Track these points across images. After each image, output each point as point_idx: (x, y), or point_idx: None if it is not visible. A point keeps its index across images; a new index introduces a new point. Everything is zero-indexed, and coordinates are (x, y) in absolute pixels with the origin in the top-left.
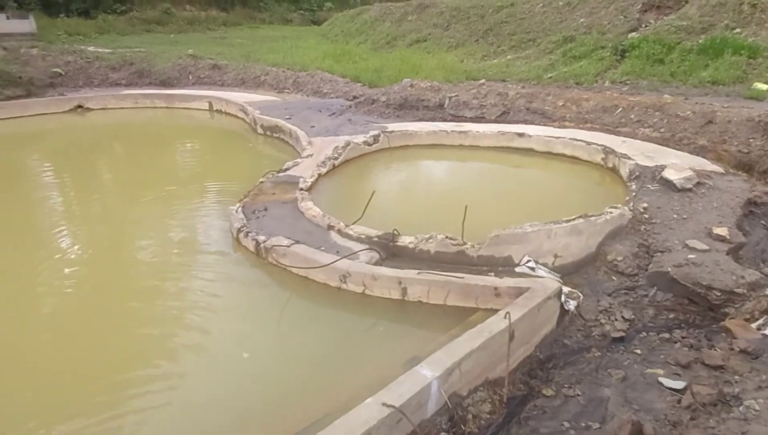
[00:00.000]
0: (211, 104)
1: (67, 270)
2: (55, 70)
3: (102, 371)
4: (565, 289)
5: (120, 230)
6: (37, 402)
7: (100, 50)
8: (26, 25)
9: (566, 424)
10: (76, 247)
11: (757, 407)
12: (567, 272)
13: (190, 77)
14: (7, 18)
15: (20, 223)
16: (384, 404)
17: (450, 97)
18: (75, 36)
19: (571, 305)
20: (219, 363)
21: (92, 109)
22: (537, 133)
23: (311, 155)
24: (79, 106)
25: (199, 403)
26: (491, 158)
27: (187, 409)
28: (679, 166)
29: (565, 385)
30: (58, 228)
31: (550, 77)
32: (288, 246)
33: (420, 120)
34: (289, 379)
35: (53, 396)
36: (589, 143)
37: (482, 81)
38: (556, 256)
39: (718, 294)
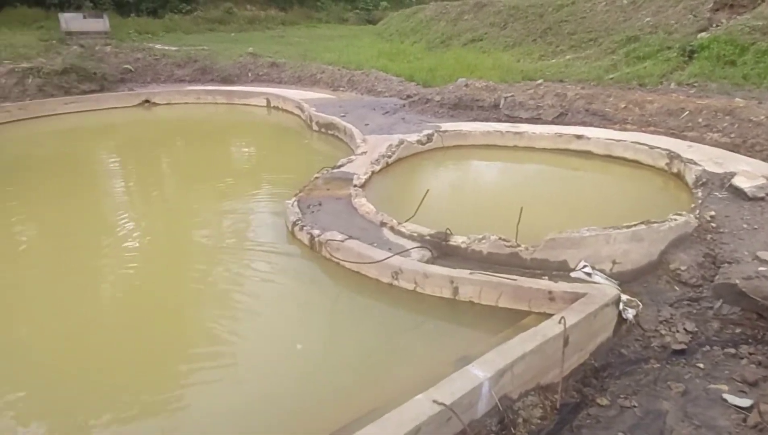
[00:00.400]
0: (268, 101)
1: (129, 254)
2: (125, 66)
3: (161, 348)
4: (624, 296)
5: (179, 218)
6: (104, 375)
7: (167, 48)
8: (101, 24)
9: None
10: (137, 232)
11: None
12: (625, 280)
13: (250, 74)
14: (84, 17)
15: (88, 208)
16: (435, 401)
17: (505, 98)
18: (144, 34)
19: (630, 314)
20: (271, 352)
21: (158, 104)
22: (596, 135)
23: (365, 153)
24: (147, 101)
25: (250, 389)
26: (547, 160)
27: (239, 393)
28: (750, 173)
29: (621, 396)
30: (122, 214)
31: (612, 78)
32: (342, 241)
33: (474, 120)
34: (339, 371)
35: (118, 370)
36: (652, 147)
37: (539, 81)
38: (614, 263)
39: None
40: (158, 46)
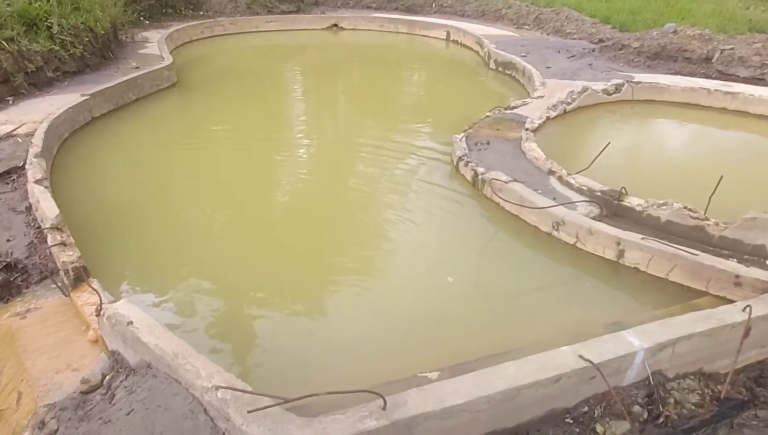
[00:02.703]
0: (448, 34)
1: (301, 170)
2: None
3: (320, 259)
4: None
5: (349, 140)
6: (269, 266)
7: None
8: None
9: None
10: (311, 148)
11: None
12: None
13: (434, 5)
14: None
15: (274, 119)
16: (581, 356)
17: (722, 51)
18: None
19: None
20: (422, 280)
21: (344, 29)
22: None
23: (542, 97)
24: (335, 25)
25: (397, 310)
26: (763, 130)
27: (386, 312)
28: None
29: None
30: (300, 130)
31: None
32: (506, 182)
33: (677, 73)
34: (484, 309)
35: (278, 269)
36: None
37: None
38: None
39: None
40: None
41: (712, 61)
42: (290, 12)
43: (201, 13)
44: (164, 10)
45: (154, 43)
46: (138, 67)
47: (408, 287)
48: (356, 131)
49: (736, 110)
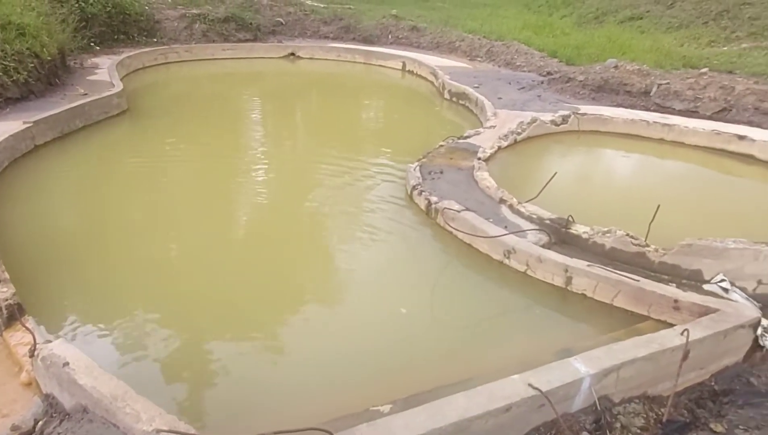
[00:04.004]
0: (404, 64)
1: (253, 196)
2: (277, 19)
3: (267, 296)
4: (765, 322)
5: (305, 167)
6: (216, 300)
7: (316, 4)
8: None
9: None
10: (265, 175)
11: None
12: None
13: (390, 37)
14: None
15: (228, 144)
16: (530, 385)
17: (659, 85)
18: None
19: None
20: (375, 311)
21: (302, 58)
22: (764, 138)
23: (494, 126)
24: (292, 54)
25: (347, 343)
26: (698, 159)
27: (341, 347)
28: None
29: (741, 427)
30: (255, 156)
31: None
32: (458, 211)
33: (618, 106)
34: (437, 339)
35: (227, 302)
36: None
37: (703, 70)
38: (759, 283)
39: None
40: (308, 2)
41: (651, 94)
42: (247, 40)
43: (155, 39)
44: (116, 36)
45: (105, 70)
46: (86, 94)
47: (361, 319)
48: (313, 159)
49: (672, 141)
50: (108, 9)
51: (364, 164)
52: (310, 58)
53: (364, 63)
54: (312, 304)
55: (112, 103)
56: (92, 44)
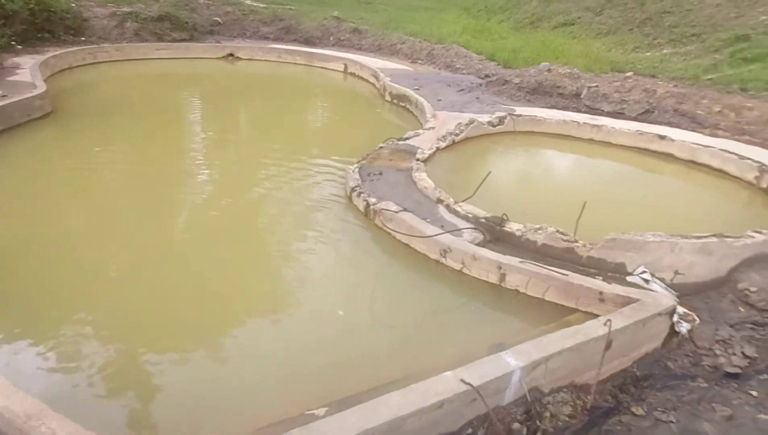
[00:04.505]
0: (346, 66)
1: (194, 198)
2: (215, 18)
3: (205, 301)
4: (680, 309)
5: (245, 171)
6: (156, 308)
7: (255, 4)
8: None
9: None
10: (204, 178)
11: None
12: (686, 292)
13: (332, 38)
14: None
15: (164, 150)
16: (462, 380)
17: (589, 87)
18: None
19: (684, 328)
20: (312, 314)
21: (241, 59)
22: (682, 138)
23: (433, 128)
24: (231, 55)
25: (288, 347)
26: (623, 158)
27: (279, 351)
28: None
29: (659, 409)
30: (194, 159)
31: (710, 79)
32: (396, 212)
33: (552, 107)
34: (378, 339)
35: (162, 308)
36: (742, 157)
37: (629, 74)
38: (676, 273)
39: None
40: (248, 2)
41: (581, 96)
42: (182, 40)
43: (82, 38)
44: (40, 35)
45: (27, 70)
46: (5, 96)
47: (298, 323)
48: (253, 162)
49: (601, 141)
50: (30, 6)
51: (306, 166)
52: (250, 59)
53: (306, 65)
54: (249, 309)
55: (34, 105)
56: (13, 43)
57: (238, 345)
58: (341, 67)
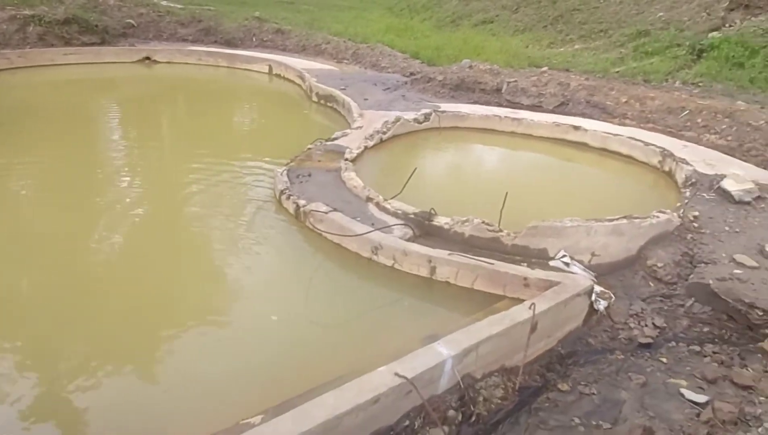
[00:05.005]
0: (270, 68)
1: (114, 209)
2: (128, 21)
3: (133, 316)
4: (597, 288)
5: (169, 180)
6: (83, 327)
7: (172, 5)
8: None
9: (576, 420)
10: (125, 188)
11: None
12: (602, 272)
13: (254, 39)
14: None
15: (79, 160)
16: (396, 374)
17: (508, 82)
18: None
19: (601, 305)
20: (246, 321)
21: (159, 62)
22: (594, 127)
23: (361, 127)
24: (147, 58)
25: (221, 358)
26: (543, 149)
27: (212, 362)
28: (740, 177)
29: (582, 383)
30: (112, 168)
31: (618, 72)
32: (326, 212)
33: (475, 103)
34: (311, 341)
35: (95, 325)
36: (647, 144)
37: (544, 69)
38: (593, 255)
39: (761, 314)
40: (163, 3)
41: (502, 91)
42: (93, 44)
43: None
44: None
45: None
46: None
47: (231, 331)
48: (178, 169)
49: (522, 133)
50: None
51: (234, 170)
52: (169, 63)
53: (228, 67)
54: (177, 321)
55: None
56: None
57: (167, 360)
58: (266, 69)
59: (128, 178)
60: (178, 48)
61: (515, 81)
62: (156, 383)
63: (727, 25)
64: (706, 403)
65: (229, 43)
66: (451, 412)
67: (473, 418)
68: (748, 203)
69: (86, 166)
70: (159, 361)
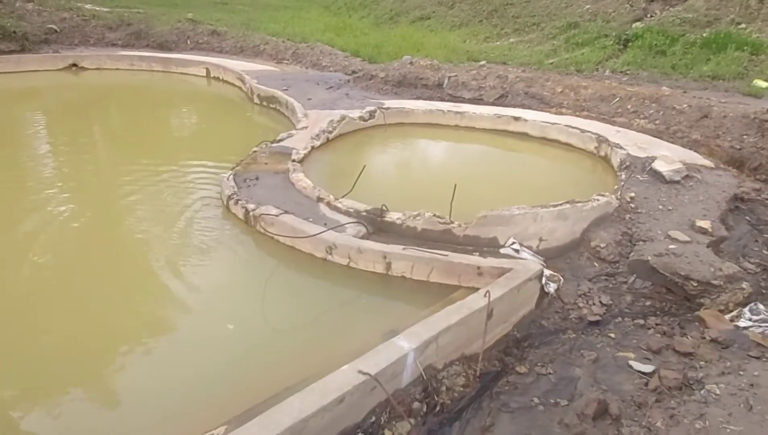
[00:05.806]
0: (208, 71)
1: (55, 226)
2: (50, 26)
3: (84, 335)
4: (547, 272)
5: (108, 193)
6: (29, 346)
7: (97, 8)
8: None
9: (536, 400)
10: (63, 204)
11: (718, 391)
12: (551, 256)
13: (189, 42)
14: None
15: (6, 180)
16: (360, 371)
17: (449, 77)
18: None
19: (552, 288)
20: (202, 331)
21: (87, 69)
22: (533, 118)
23: (306, 127)
24: (74, 65)
25: (182, 371)
26: (486, 140)
27: (170, 378)
28: (669, 158)
29: (539, 364)
30: (47, 184)
31: (552, 63)
32: (276, 215)
33: (418, 98)
34: (271, 347)
35: (45, 343)
36: (583, 131)
37: (483, 63)
38: (541, 240)
39: (695, 284)
40: (87, 6)
41: (444, 86)
42: (12, 51)
43: None
44: None
45: None
46: None
47: (186, 345)
48: (114, 180)
49: (465, 126)
50: None
51: (178, 177)
52: (98, 69)
53: (163, 71)
54: (131, 334)
55: None
56: None
57: (119, 380)
58: (203, 72)
59: (61, 194)
60: (108, 53)
61: (456, 75)
62: (107, 406)
63: (648, 15)
64: (653, 372)
65: (162, 47)
66: (416, 404)
67: (438, 408)
68: (678, 182)
69: (11, 181)
70: (108, 383)
